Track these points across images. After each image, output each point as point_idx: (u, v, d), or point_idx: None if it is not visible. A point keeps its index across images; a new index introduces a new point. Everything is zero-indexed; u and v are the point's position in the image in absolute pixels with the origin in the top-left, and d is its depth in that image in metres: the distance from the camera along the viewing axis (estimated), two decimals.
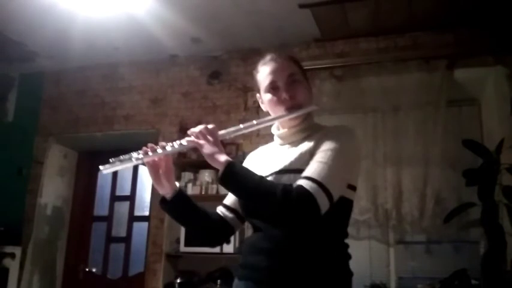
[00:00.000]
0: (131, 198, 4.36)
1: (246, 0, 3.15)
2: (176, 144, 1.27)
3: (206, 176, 3.53)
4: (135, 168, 4.39)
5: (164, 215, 3.66)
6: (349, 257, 1.25)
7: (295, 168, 1.22)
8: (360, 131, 3.25)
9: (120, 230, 4.32)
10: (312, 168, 1.16)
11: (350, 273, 1.23)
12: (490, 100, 3.31)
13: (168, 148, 1.28)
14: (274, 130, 1.41)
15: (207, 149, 1.22)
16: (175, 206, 1.35)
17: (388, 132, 3.32)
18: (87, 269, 4.26)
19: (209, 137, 1.24)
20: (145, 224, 4.04)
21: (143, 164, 1.29)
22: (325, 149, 1.20)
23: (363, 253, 3.28)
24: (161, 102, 4.02)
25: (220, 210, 1.44)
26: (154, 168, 1.32)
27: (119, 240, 4.29)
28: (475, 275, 2.82)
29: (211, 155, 1.21)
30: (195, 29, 3.52)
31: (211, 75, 3.92)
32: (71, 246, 4.33)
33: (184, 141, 1.27)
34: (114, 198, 4.43)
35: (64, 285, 4.23)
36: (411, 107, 3.30)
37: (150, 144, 1.29)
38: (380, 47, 3.49)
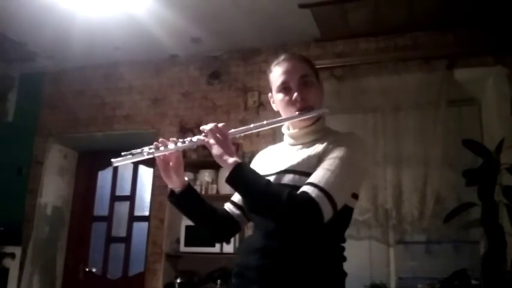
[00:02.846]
0: (131, 198, 4.36)
1: (246, 0, 3.15)
2: (187, 140, 1.29)
3: (206, 176, 3.52)
4: (135, 169, 4.40)
5: (164, 215, 3.66)
6: (343, 259, 1.27)
7: (300, 170, 1.23)
8: (359, 131, 3.24)
9: (120, 230, 4.32)
10: (319, 175, 1.16)
11: (343, 274, 1.25)
12: (490, 100, 3.31)
13: (179, 144, 1.30)
14: (284, 130, 1.41)
15: (216, 149, 1.22)
16: (183, 200, 1.37)
17: (388, 132, 3.32)
18: (87, 269, 4.26)
19: (219, 136, 1.24)
20: (145, 224, 4.04)
21: (153, 157, 1.32)
22: (334, 156, 1.20)
23: (363, 253, 3.28)
24: (161, 102, 4.02)
25: (227, 206, 1.46)
26: (164, 162, 1.33)
27: (118, 240, 4.29)
28: (475, 275, 2.82)
29: (220, 156, 1.22)
30: (195, 29, 3.52)
31: (211, 75, 3.92)
32: (71, 246, 4.33)
33: (194, 139, 1.28)
34: (114, 198, 4.43)
35: (64, 285, 4.23)
36: (411, 107, 3.30)
37: (161, 139, 1.31)
38: (380, 47, 3.49)
